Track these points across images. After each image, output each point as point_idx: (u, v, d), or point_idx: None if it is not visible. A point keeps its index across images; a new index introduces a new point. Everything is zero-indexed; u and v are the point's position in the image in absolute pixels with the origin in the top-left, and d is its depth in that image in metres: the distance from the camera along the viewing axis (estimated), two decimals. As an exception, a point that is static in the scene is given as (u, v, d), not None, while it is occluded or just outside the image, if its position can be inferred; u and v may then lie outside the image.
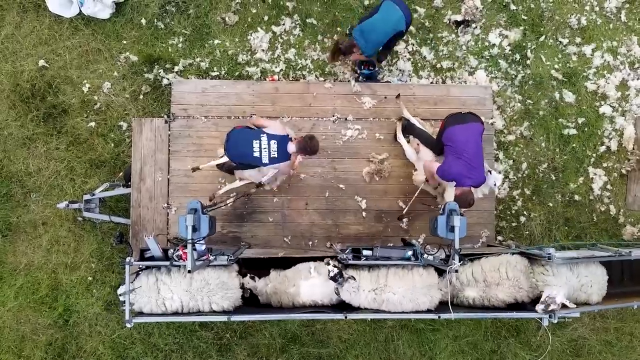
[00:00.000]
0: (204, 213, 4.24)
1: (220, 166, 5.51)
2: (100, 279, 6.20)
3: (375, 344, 6.38)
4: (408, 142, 5.85)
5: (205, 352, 6.24)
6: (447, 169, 4.99)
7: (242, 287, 4.92)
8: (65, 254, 6.18)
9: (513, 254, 4.93)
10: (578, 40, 6.63)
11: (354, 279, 4.64)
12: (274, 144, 4.93)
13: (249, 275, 5.00)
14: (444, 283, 4.79)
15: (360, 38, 5.46)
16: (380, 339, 6.38)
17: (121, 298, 4.68)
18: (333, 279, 4.50)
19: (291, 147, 4.99)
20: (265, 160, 4.94)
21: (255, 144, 4.91)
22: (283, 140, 4.99)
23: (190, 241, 4.10)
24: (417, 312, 4.73)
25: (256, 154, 4.92)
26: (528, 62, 6.53)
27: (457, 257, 4.26)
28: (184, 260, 4.36)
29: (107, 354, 6.20)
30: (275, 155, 4.95)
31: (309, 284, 4.82)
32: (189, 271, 4.11)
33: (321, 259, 5.07)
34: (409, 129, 5.83)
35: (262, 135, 4.96)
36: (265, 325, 6.27)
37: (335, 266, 4.59)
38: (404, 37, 6.34)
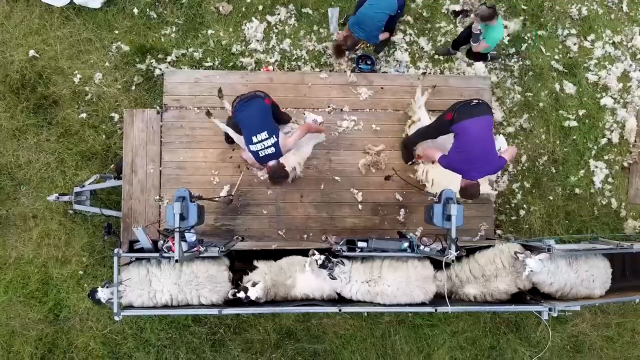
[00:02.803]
0: (192, 201, 4.12)
1: (227, 136, 5.45)
2: (91, 273, 6.09)
3: (372, 340, 6.26)
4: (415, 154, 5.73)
5: (199, 347, 6.12)
6: (450, 162, 4.81)
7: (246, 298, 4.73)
8: (56, 248, 6.07)
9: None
10: (579, 30, 6.51)
11: (343, 263, 4.53)
12: (270, 150, 4.77)
13: (251, 282, 4.72)
14: (443, 275, 4.67)
15: (360, 31, 5.36)
16: (377, 335, 6.26)
17: (105, 299, 4.51)
18: (322, 266, 4.39)
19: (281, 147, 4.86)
20: (262, 154, 4.79)
21: (262, 135, 4.73)
22: (276, 145, 4.85)
23: (177, 229, 3.99)
24: (413, 304, 4.61)
25: (253, 148, 4.77)
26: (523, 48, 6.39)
27: (453, 247, 4.14)
28: (174, 252, 4.24)
29: (98, 350, 6.09)
30: (273, 151, 4.81)
31: (305, 277, 4.71)
32: (177, 261, 3.99)
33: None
34: (412, 142, 5.67)
35: (273, 136, 4.76)
36: (260, 321, 6.15)
37: (321, 253, 4.47)
38: (402, 27, 6.24)
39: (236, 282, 4.81)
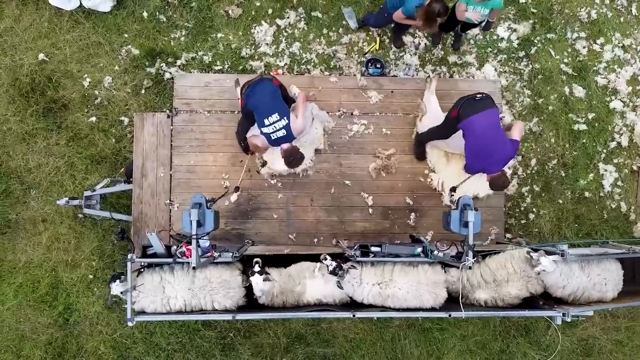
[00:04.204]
0: (209, 207, 4.12)
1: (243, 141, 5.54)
2: (101, 277, 6.07)
3: (382, 344, 6.25)
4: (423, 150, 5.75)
5: (209, 351, 6.11)
6: (471, 166, 4.89)
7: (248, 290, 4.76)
8: (66, 252, 6.05)
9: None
10: (588, 33, 6.50)
11: (355, 267, 4.51)
12: (281, 127, 4.86)
13: (263, 275, 4.76)
14: (457, 280, 4.66)
15: None
16: (387, 339, 6.25)
17: (116, 292, 4.51)
18: (333, 272, 4.36)
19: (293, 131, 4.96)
20: (274, 136, 4.90)
21: (273, 117, 4.83)
22: (287, 126, 4.91)
23: (195, 236, 3.98)
24: (425, 309, 4.60)
25: (265, 130, 4.88)
26: (532, 51, 6.38)
27: (470, 254, 4.13)
28: (187, 257, 4.23)
29: (108, 354, 6.08)
30: (284, 134, 4.92)
31: (315, 282, 4.69)
32: (194, 268, 3.98)
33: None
34: (424, 140, 5.70)
35: (284, 117, 4.86)
36: (270, 325, 6.14)
37: (332, 260, 4.45)
38: (411, 30, 6.24)
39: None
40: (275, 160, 5.45)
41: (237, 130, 5.58)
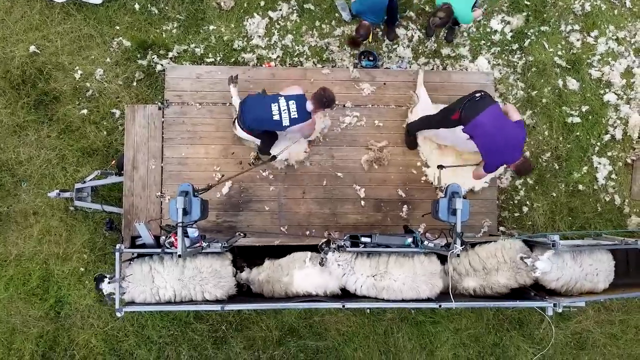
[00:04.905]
0: (195, 196, 4.09)
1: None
2: (92, 270, 6.04)
3: (375, 337, 6.23)
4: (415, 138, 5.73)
5: (201, 344, 6.09)
6: (490, 165, 4.91)
7: (237, 282, 4.79)
8: (57, 245, 6.03)
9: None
10: (582, 26, 6.48)
11: (345, 247, 4.48)
12: (292, 104, 4.81)
13: (239, 270, 4.85)
14: (449, 269, 4.64)
15: (370, 15, 5.39)
16: (380, 332, 6.23)
17: (109, 291, 4.49)
18: (320, 249, 4.44)
19: (309, 105, 4.87)
20: (285, 122, 4.81)
21: (274, 107, 4.80)
22: (301, 99, 4.88)
23: (180, 224, 3.95)
24: (416, 300, 4.57)
25: (276, 117, 4.81)
26: (526, 44, 6.36)
27: (459, 241, 4.11)
28: (176, 248, 4.21)
29: (99, 347, 6.05)
30: (296, 115, 4.82)
31: (304, 273, 4.67)
32: (179, 256, 3.96)
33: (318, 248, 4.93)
34: (415, 128, 5.67)
35: (279, 97, 4.86)
36: (262, 318, 6.12)
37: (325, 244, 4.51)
38: (404, 22, 6.22)
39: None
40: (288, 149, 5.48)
41: (260, 147, 5.50)
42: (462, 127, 4.89)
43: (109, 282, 4.46)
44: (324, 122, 5.70)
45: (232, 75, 5.45)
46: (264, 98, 5.01)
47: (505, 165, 5.40)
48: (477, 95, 4.90)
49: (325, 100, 4.83)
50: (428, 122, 5.35)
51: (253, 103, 5.00)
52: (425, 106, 5.58)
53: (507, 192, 6.33)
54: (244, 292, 4.97)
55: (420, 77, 5.78)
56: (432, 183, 5.83)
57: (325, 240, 4.51)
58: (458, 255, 4.11)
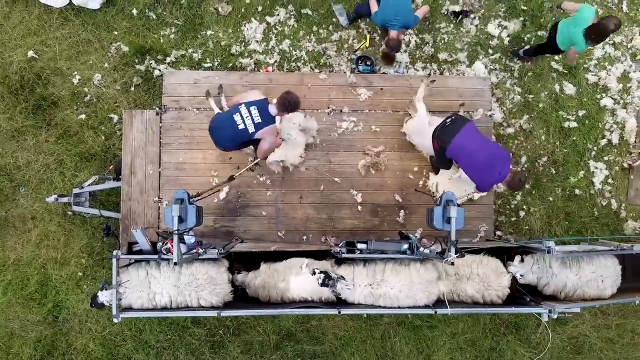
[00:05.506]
0: (191, 203, 4.11)
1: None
2: (90, 275, 6.07)
3: (372, 341, 6.24)
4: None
5: (198, 349, 6.11)
6: (482, 183, 4.88)
7: (233, 284, 4.82)
8: (55, 249, 6.05)
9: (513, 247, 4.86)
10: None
11: (344, 278, 4.52)
12: (254, 110, 4.76)
13: (237, 271, 4.88)
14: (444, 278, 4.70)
15: (396, 22, 5.28)
16: (377, 336, 6.25)
17: (108, 300, 4.50)
18: (324, 284, 4.38)
19: (272, 109, 4.81)
20: (251, 128, 4.76)
21: (237, 117, 4.76)
22: (262, 103, 4.82)
23: (176, 232, 3.97)
24: (413, 307, 4.59)
25: (241, 126, 4.76)
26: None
27: (453, 249, 4.12)
28: (172, 254, 4.23)
29: (97, 351, 6.08)
30: (260, 120, 4.76)
31: (300, 280, 4.68)
32: (175, 263, 3.98)
33: (315, 253, 4.94)
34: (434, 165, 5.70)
35: (239, 107, 4.82)
36: (259, 322, 6.14)
37: (320, 272, 4.44)
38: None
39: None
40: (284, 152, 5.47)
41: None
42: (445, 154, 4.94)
43: (104, 289, 4.48)
44: (308, 121, 5.65)
45: (209, 90, 5.49)
46: (225, 114, 4.96)
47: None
48: (448, 120, 4.97)
49: (288, 103, 4.73)
50: (437, 164, 5.49)
51: (218, 124, 4.97)
52: (420, 126, 5.40)
53: (504, 196, 6.35)
54: (239, 295, 4.99)
55: (421, 92, 5.49)
56: (433, 194, 5.78)
57: (324, 276, 4.44)
58: (452, 264, 4.12)
